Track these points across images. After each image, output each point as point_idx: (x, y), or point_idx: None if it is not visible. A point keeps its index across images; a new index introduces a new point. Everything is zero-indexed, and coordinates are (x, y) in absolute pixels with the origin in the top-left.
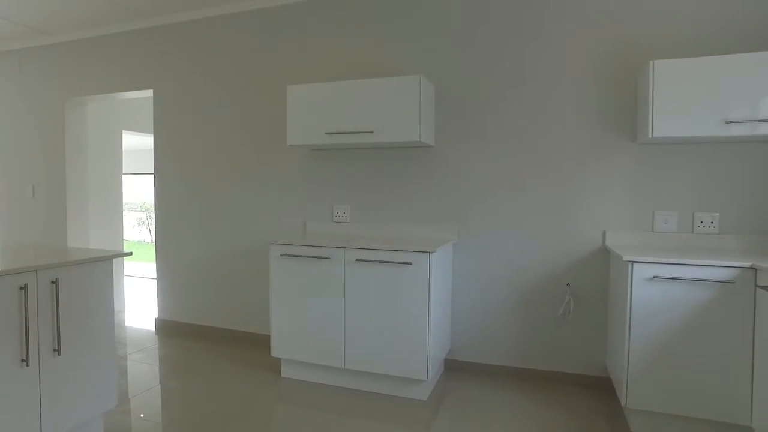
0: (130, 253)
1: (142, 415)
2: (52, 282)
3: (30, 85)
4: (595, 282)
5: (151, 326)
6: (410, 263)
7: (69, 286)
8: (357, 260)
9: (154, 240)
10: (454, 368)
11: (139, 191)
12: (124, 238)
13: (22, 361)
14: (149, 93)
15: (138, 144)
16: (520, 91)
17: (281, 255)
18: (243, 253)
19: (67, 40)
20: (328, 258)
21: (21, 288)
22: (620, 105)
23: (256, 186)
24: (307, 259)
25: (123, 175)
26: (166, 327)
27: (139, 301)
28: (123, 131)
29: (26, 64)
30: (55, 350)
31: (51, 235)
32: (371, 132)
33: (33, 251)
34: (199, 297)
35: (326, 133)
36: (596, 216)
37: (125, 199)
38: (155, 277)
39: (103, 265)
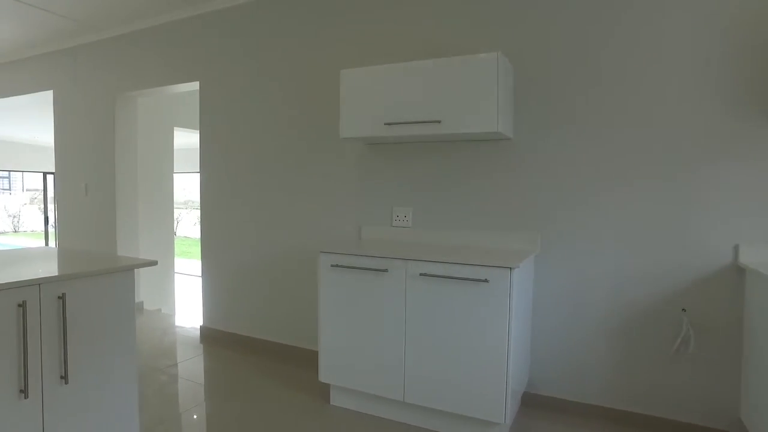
0: (154, 263)
1: None
2: (59, 297)
3: (84, 83)
4: (724, 309)
5: (197, 333)
6: (486, 280)
7: (80, 301)
8: (421, 275)
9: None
10: (533, 404)
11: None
12: (185, 235)
13: (20, 392)
14: (196, 86)
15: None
16: (621, 69)
17: (332, 266)
18: (292, 259)
19: (117, 34)
20: (385, 271)
21: (19, 305)
22: (753, 78)
23: (306, 185)
24: (361, 271)
25: (174, 174)
26: (210, 336)
27: (190, 303)
28: (174, 128)
29: (80, 61)
30: (62, 378)
31: (103, 235)
32: (438, 122)
33: (52, 259)
34: (245, 305)
35: (385, 124)
36: (724, 224)
37: (183, 197)
38: (201, 281)
39: (122, 278)
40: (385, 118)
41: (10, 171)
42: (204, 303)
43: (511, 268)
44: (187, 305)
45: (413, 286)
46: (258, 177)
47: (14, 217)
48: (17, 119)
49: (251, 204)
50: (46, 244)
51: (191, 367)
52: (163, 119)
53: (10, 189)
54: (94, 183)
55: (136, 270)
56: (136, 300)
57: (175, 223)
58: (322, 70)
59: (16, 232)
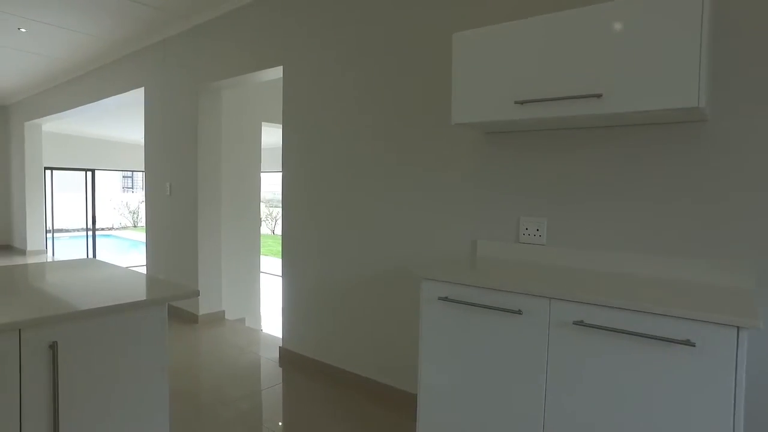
0: (196, 293)
1: None
2: (50, 346)
3: (170, 77)
4: None
5: (276, 354)
6: (693, 344)
7: (82, 350)
8: (575, 323)
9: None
10: None
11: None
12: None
13: None
14: (280, 72)
15: None
16: None
17: (439, 298)
18: (386, 279)
19: (204, 20)
20: (518, 313)
21: None
22: None
23: (407, 187)
24: (481, 310)
25: (263, 174)
26: (291, 360)
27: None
28: (263, 123)
29: (168, 54)
30: None
31: (185, 237)
32: (598, 96)
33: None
34: (330, 329)
35: (516, 103)
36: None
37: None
38: (282, 298)
39: (144, 315)
40: (515, 95)
41: (132, 171)
42: (284, 322)
43: (738, 328)
44: (275, 313)
45: (561, 339)
46: (348, 177)
47: (134, 213)
48: (133, 120)
49: (340, 209)
50: None
51: (264, 401)
52: (249, 114)
53: (132, 188)
54: (177, 182)
55: (220, 276)
56: (219, 308)
57: (273, 222)
58: (429, 37)
59: (135, 226)
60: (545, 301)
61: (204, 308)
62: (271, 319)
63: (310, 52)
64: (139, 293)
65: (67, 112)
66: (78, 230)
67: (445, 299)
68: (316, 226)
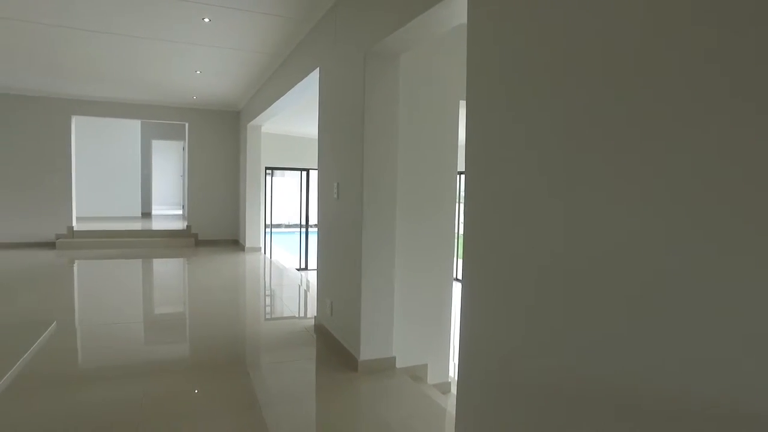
0: None
1: None
2: None
3: (341, 45)
4: None
5: None
6: None
7: None
8: None
9: None
10: None
11: None
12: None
13: None
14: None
15: None
16: None
17: None
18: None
19: None
20: None
21: None
22: None
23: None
24: None
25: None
26: None
27: None
28: (461, 102)
29: (340, 19)
30: None
31: (347, 256)
32: None
33: None
34: None
35: None
36: None
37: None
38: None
39: None
40: None
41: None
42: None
43: None
44: None
45: None
46: (573, 170)
47: None
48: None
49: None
50: None
51: None
52: (440, 88)
53: None
54: (345, 182)
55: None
56: (387, 353)
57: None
58: None
59: None
60: None
61: (367, 351)
62: None
63: None
64: None
65: (272, 109)
66: (292, 226)
67: None
68: (524, 240)
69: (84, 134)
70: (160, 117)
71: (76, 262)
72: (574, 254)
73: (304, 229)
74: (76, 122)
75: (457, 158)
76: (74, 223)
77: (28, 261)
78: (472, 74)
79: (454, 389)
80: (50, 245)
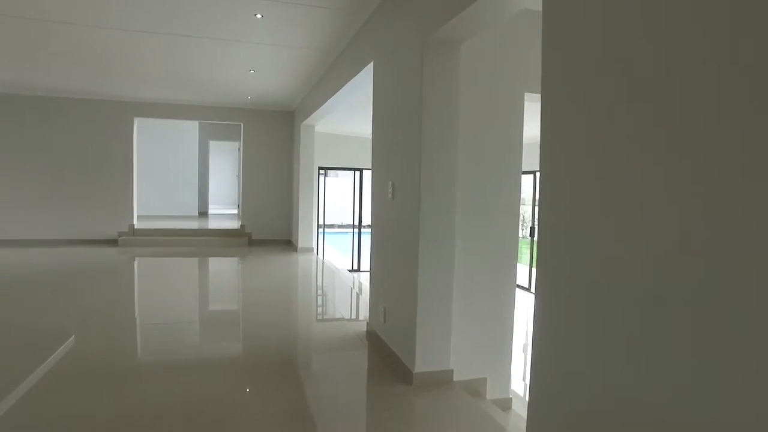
0: None
1: None
2: None
3: (396, 35)
4: None
5: None
6: None
7: None
8: None
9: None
10: None
11: None
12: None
13: None
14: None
15: None
16: None
17: None
18: None
19: None
20: None
21: None
22: None
23: None
24: None
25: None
26: None
27: None
28: (525, 95)
29: (396, 7)
30: None
31: (402, 260)
32: None
33: None
34: None
35: None
36: None
37: None
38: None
39: None
40: None
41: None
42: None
43: None
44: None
45: None
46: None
47: None
48: None
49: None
50: None
51: None
52: (504, 82)
53: None
54: (400, 181)
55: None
56: (444, 365)
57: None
58: None
59: None
60: None
61: (422, 363)
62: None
63: None
64: None
65: (326, 107)
66: (345, 226)
67: None
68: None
69: (145, 136)
70: (216, 118)
71: (137, 259)
72: (688, 272)
73: (356, 230)
74: (137, 124)
75: (522, 156)
76: (135, 222)
77: (92, 258)
78: (549, 62)
79: (515, 406)
80: (113, 242)
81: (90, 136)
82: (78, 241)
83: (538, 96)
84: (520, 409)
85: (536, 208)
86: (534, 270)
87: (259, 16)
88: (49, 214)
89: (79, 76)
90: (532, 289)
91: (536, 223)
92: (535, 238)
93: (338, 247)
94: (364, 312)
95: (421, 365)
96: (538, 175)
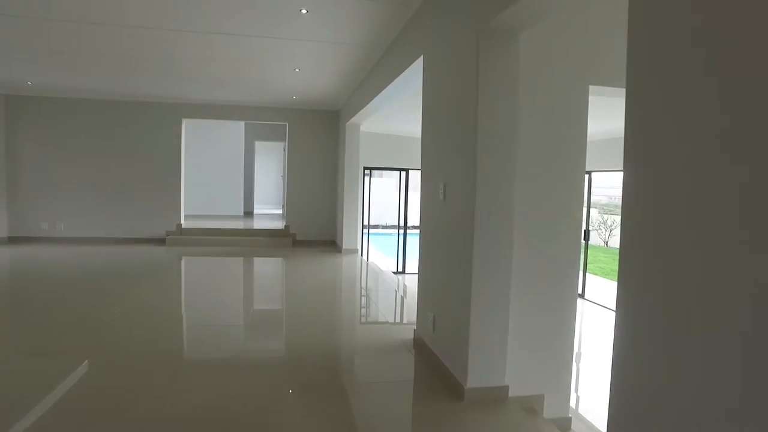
0: None
1: None
2: None
3: (446, 24)
4: None
5: None
6: None
7: None
8: None
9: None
10: None
11: None
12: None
13: None
14: None
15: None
16: None
17: None
18: None
19: None
20: None
21: None
22: None
23: None
24: None
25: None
26: None
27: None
28: (590, 88)
29: None
30: None
31: (455, 267)
32: None
33: None
34: None
35: None
36: None
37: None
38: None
39: None
40: None
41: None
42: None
43: None
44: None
45: None
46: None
47: None
48: None
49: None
50: None
51: None
52: (566, 74)
53: None
54: (453, 182)
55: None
56: (499, 382)
57: (606, 232)
58: None
59: None
60: None
61: (475, 378)
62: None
63: None
64: None
65: (372, 106)
66: (390, 227)
67: None
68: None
69: (193, 136)
70: (262, 118)
71: (183, 258)
72: None
73: (401, 231)
74: (185, 125)
75: (586, 155)
76: (182, 221)
77: (141, 256)
78: (636, 42)
79: (575, 426)
80: (161, 241)
81: (141, 137)
82: (128, 239)
83: (604, 89)
84: (581, 430)
85: (589, 210)
86: (587, 276)
87: (304, 11)
88: (102, 214)
89: (132, 79)
90: (585, 296)
91: (616, 228)
92: (590, 242)
93: (383, 248)
94: (409, 316)
95: (473, 380)
96: (592, 175)
